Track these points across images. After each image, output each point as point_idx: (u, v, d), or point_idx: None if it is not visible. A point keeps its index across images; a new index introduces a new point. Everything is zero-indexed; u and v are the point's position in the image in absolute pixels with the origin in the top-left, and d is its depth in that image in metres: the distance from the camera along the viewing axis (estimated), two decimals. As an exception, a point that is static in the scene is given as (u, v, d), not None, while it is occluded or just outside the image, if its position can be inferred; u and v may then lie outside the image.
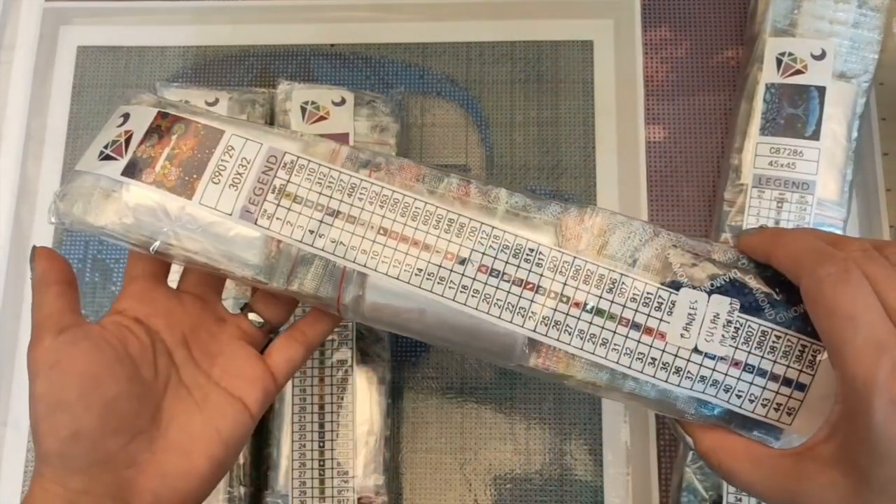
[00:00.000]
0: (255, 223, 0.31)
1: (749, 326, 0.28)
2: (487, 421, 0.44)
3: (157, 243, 0.31)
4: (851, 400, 0.24)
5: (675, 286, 0.29)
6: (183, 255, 0.31)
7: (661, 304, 0.29)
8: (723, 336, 0.28)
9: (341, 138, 0.44)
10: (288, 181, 0.31)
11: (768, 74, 0.43)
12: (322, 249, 0.30)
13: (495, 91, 0.49)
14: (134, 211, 0.31)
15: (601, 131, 0.48)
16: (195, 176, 0.31)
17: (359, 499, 0.40)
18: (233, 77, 0.50)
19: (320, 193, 0.31)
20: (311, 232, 0.31)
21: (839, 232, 0.42)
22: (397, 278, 0.30)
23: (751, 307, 0.29)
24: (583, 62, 0.49)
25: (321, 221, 0.31)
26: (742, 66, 0.47)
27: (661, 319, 0.29)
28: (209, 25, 0.50)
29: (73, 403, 0.27)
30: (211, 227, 0.31)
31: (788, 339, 0.28)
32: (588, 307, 0.29)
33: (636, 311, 0.29)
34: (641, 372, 0.29)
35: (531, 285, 0.29)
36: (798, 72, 0.43)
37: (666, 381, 0.29)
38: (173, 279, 0.34)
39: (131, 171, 0.31)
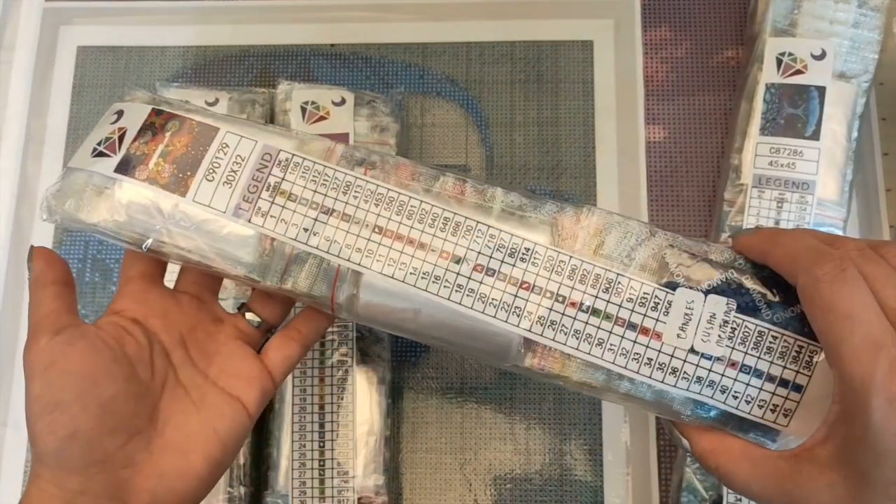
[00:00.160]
0: (249, 221, 0.31)
1: (746, 327, 0.28)
2: (487, 421, 0.44)
3: (149, 241, 0.31)
4: (849, 400, 0.24)
5: (672, 286, 0.29)
6: (176, 253, 0.31)
7: (658, 304, 0.29)
8: (719, 336, 0.28)
9: (341, 138, 0.44)
10: (282, 179, 0.31)
11: (768, 74, 0.43)
12: (316, 248, 0.30)
13: (495, 91, 0.49)
14: (127, 208, 0.31)
15: (601, 131, 0.48)
16: (189, 173, 0.31)
17: (359, 499, 0.40)
18: (233, 77, 0.50)
19: (315, 191, 0.31)
20: (306, 230, 0.30)
21: (839, 232, 0.42)
22: (392, 277, 0.30)
23: (747, 307, 0.29)
24: (583, 62, 0.49)
25: (315, 219, 0.31)
26: (742, 66, 0.47)
27: (657, 320, 0.29)
28: (209, 25, 0.50)
29: (70, 404, 0.27)
30: (204, 225, 0.31)
31: (785, 340, 0.28)
32: (584, 307, 0.29)
33: (632, 311, 0.29)
34: (637, 372, 0.29)
35: (527, 285, 0.29)
36: (798, 72, 0.43)
37: (662, 382, 0.29)
38: (170, 279, 0.34)
39: (124, 167, 0.31)
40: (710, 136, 0.48)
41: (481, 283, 0.30)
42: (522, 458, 0.43)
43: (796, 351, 0.28)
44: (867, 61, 0.43)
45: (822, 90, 0.42)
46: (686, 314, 0.29)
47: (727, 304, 0.29)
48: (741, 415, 0.28)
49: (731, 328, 0.28)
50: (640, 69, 0.47)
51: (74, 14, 0.51)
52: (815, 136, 0.42)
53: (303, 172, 0.31)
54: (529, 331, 0.29)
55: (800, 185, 0.42)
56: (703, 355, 0.28)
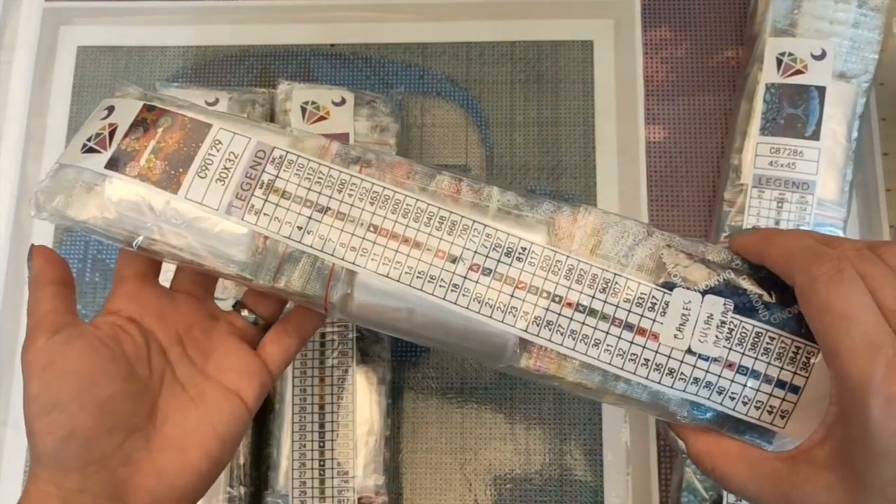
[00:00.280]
0: (242, 219, 0.30)
1: (743, 327, 0.28)
2: (487, 421, 0.44)
3: (140, 238, 0.30)
4: (847, 400, 0.24)
5: (669, 287, 0.29)
6: (167, 251, 0.30)
7: (655, 304, 0.29)
8: (716, 337, 0.28)
9: (341, 138, 0.44)
10: (276, 176, 0.31)
11: (768, 74, 0.43)
12: (310, 246, 0.30)
13: (495, 91, 0.49)
14: (117, 205, 0.30)
15: (601, 131, 0.48)
16: (181, 170, 0.31)
17: (359, 499, 0.40)
18: (233, 77, 0.50)
19: (309, 189, 0.31)
20: (300, 228, 0.30)
21: (839, 232, 0.42)
22: (387, 276, 0.30)
23: (744, 308, 0.28)
24: (583, 62, 0.49)
25: (310, 218, 0.30)
26: (742, 66, 0.47)
27: (654, 320, 0.29)
28: (209, 25, 0.50)
29: (68, 403, 0.27)
30: (196, 223, 0.30)
31: (782, 341, 0.28)
32: (581, 307, 0.29)
33: (629, 311, 0.29)
34: (634, 373, 0.29)
35: (523, 284, 0.29)
36: (798, 72, 0.43)
37: (659, 383, 0.28)
38: (166, 278, 0.34)
39: (115, 164, 0.31)
40: (710, 136, 0.48)
41: (477, 282, 0.29)
42: (522, 458, 0.43)
43: (793, 352, 0.28)
44: (867, 61, 0.43)
45: (822, 90, 0.42)
46: (683, 315, 0.29)
47: (724, 304, 0.28)
48: (738, 416, 0.28)
49: (729, 329, 0.28)
50: (640, 69, 0.47)
51: (74, 14, 0.51)
52: (815, 136, 0.42)
53: (297, 170, 0.31)
54: (525, 331, 0.29)
55: (800, 185, 0.42)
56: (700, 356, 0.28)
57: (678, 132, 0.48)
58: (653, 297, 0.29)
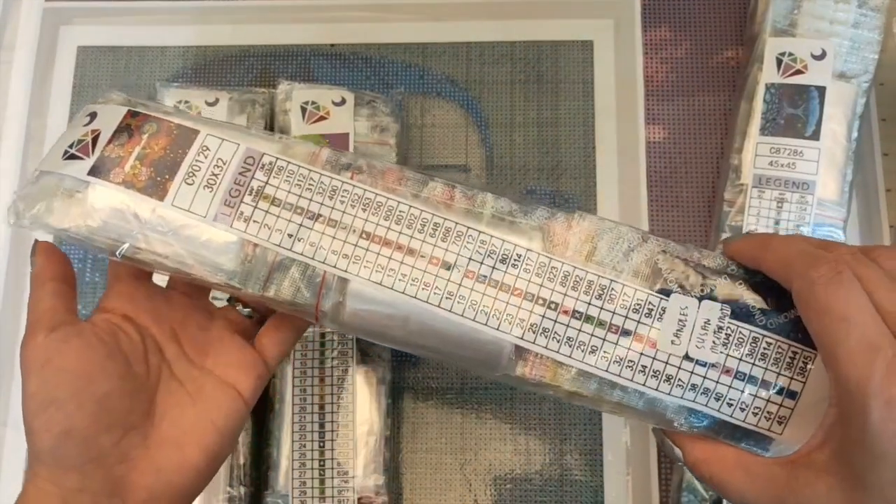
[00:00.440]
0: (231, 226, 0.29)
1: (740, 332, 0.28)
2: (487, 421, 0.44)
3: (125, 246, 0.29)
4: (846, 402, 0.24)
5: (666, 293, 0.29)
6: (153, 260, 0.30)
7: (651, 310, 0.29)
8: (713, 342, 0.28)
9: (341, 138, 0.44)
10: (266, 183, 0.30)
11: (768, 74, 0.43)
12: (301, 254, 0.29)
13: (495, 91, 0.49)
14: (100, 213, 0.29)
15: (601, 131, 0.48)
16: (167, 176, 0.30)
17: (359, 499, 0.40)
18: (233, 77, 0.50)
19: (300, 196, 0.30)
20: (290, 236, 0.29)
21: (839, 232, 0.42)
22: (380, 283, 0.29)
23: (741, 313, 0.28)
24: (583, 62, 0.49)
25: (300, 225, 0.30)
26: (742, 66, 0.47)
27: (651, 326, 0.28)
28: (209, 25, 0.50)
29: (65, 401, 0.27)
30: (183, 230, 0.29)
31: (779, 346, 0.28)
32: (577, 314, 0.29)
33: (626, 317, 0.29)
34: (631, 380, 0.28)
35: (518, 291, 0.29)
36: (798, 72, 0.43)
37: (656, 390, 0.28)
38: (162, 278, 0.34)
39: (98, 170, 0.30)
40: (710, 136, 0.48)
41: (472, 289, 0.29)
42: (522, 458, 0.43)
43: (790, 357, 0.28)
44: (867, 61, 0.43)
45: (822, 90, 0.42)
46: (680, 321, 0.28)
47: (721, 309, 0.28)
48: (735, 423, 0.28)
49: (726, 334, 0.28)
50: (640, 69, 0.47)
51: (74, 14, 0.51)
52: (815, 136, 0.42)
53: (287, 176, 0.30)
54: (521, 338, 0.29)
55: (800, 185, 0.42)
56: (697, 362, 0.28)
57: (678, 132, 0.48)
58: (649, 303, 0.29)
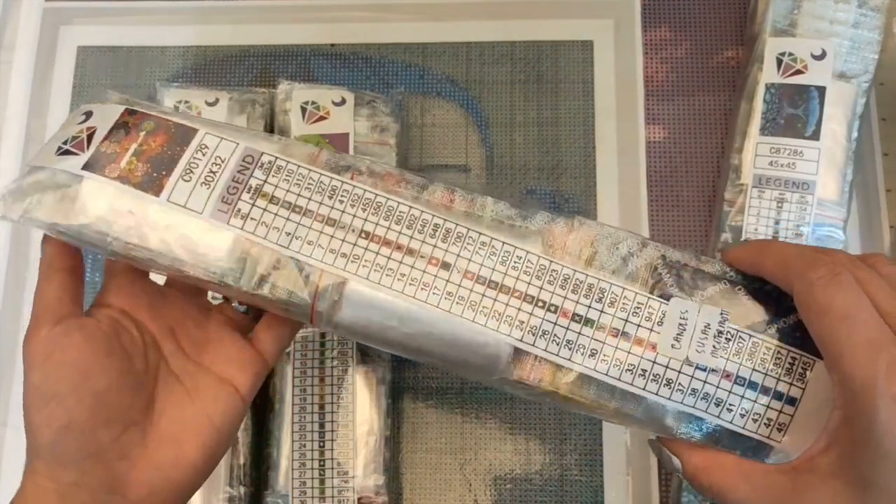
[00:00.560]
0: (228, 223, 0.29)
1: (740, 337, 0.28)
2: (487, 421, 0.44)
3: (116, 241, 0.29)
4: (850, 402, 0.24)
5: (665, 297, 0.29)
6: (146, 257, 0.29)
7: (652, 314, 0.28)
8: (714, 347, 0.28)
9: (341, 138, 0.44)
10: (265, 181, 0.30)
11: (768, 74, 0.43)
12: (298, 252, 0.29)
13: (495, 91, 0.49)
14: (93, 207, 0.29)
15: (601, 131, 0.48)
16: (164, 173, 0.29)
17: (359, 499, 0.40)
18: (233, 77, 0.50)
19: (298, 195, 0.30)
20: (288, 234, 0.29)
21: (839, 232, 0.42)
22: (378, 283, 0.29)
23: (741, 318, 0.28)
24: (583, 62, 0.49)
25: (298, 223, 0.29)
26: (742, 66, 0.47)
27: (651, 330, 0.28)
28: (209, 25, 0.50)
29: (66, 396, 0.28)
30: (178, 227, 0.29)
31: (779, 351, 0.28)
32: (576, 317, 0.28)
33: (626, 320, 0.28)
34: (631, 384, 0.28)
35: (518, 294, 0.29)
36: (798, 72, 0.43)
37: (656, 394, 0.28)
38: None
39: (93, 166, 0.29)
40: (710, 136, 0.48)
41: (471, 290, 0.29)
42: (522, 458, 0.43)
43: (790, 363, 0.28)
44: (867, 61, 0.43)
45: (822, 90, 0.42)
46: (680, 324, 0.28)
47: (721, 314, 0.28)
48: (735, 429, 0.28)
49: (726, 338, 0.28)
50: (640, 69, 0.47)
51: (74, 14, 0.51)
52: (815, 136, 0.42)
53: (286, 175, 0.30)
54: (521, 340, 0.28)
55: (800, 185, 0.42)
56: (697, 366, 0.28)
57: (678, 132, 0.48)
58: (649, 306, 0.28)
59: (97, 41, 0.51)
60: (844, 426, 0.25)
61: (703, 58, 0.49)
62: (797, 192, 0.42)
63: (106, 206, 0.29)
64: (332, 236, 0.29)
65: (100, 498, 0.28)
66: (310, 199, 0.30)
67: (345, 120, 0.44)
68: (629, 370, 0.28)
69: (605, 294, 0.29)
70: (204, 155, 0.30)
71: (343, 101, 0.44)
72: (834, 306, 0.25)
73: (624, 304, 0.29)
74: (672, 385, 0.28)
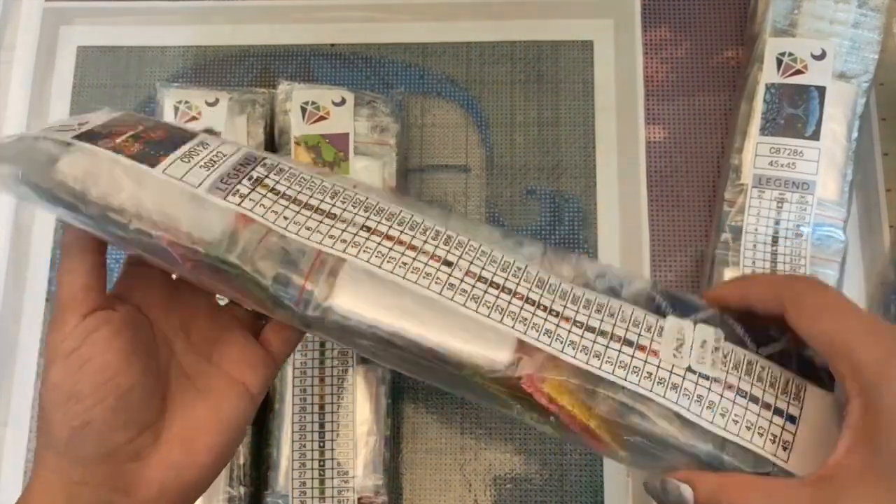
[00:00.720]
0: (226, 199, 0.28)
1: (736, 353, 0.28)
2: (487, 421, 0.44)
3: (94, 205, 0.27)
4: (868, 387, 0.24)
5: (662, 314, 0.29)
6: (133, 229, 0.28)
7: (651, 327, 0.28)
8: (713, 361, 0.28)
9: (341, 138, 0.44)
10: (266, 176, 0.29)
11: (768, 74, 0.43)
12: (296, 234, 0.28)
13: (495, 91, 0.49)
14: (83, 170, 0.27)
15: (601, 131, 0.48)
16: (162, 153, 0.28)
17: (359, 499, 0.40)
18: (233, 77, 0.50)
19: (300, 191, 0.29)
20: (286, 218, 0.28)
21: (840, 232, 0.42)
22: (379, 267, 0.28)
23: (735, 339, 0.29)
24: (583, 62, 0.49)
25: (298, 212, 0.29)
26: (742, 66, 0.47)
27: (652, 338, 0.28)
28: (209, 25, 0.50)
29: (87, 395, 0.27)
30: (171, 195, 0.27)
31: (772, 371, 0.28)
32: (578, 323, 0.28)
33: (627, 328, 0.28)
34: (638, 384, 0.27)
35: (520, 296, 0.28)
36: (798, 72, 0.43)
37: (664, 397, 0.27)
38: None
39: (87, 137, 0.28)
40: (710, 136, 0.48)
41: (474, 286, 0.28)
42: (522, 458, 0.43)
43: (784, 383, 0.28)
44: (867, 61, 0.43)
45: (822, 90, 0.42)
46: (678, 339, 0.28)
47: (716, 332, 0.28)
48: (742, 443, 0.27)
49: (724, 353, 0.28)
50: (640, 69, 0.47)
51: (74, 14, 0.51)
52: (815, 136, 0.42)
53: (289, 175, 0.30)
54: (525, 334, 0.27)
55: (800, 185, 0.42)
56: (700, 374, 0.27)
57: (678, 132, 0.48)
58: (647, 321, 0.28)
59: (97, 41, 0.51)
60: (867, 414, 0.24)
61: (703, 58, 0.49)
62: (797, 192, 0.42)
63: (96, 175, 0.27)
64: (332, 226, 0.29)
65: (104, 495, 0.28)
66: (311, 195, 0.30)
67: (345, 120, 0.44)
68: (635, 371, 0.27)
69: (604, 307, 0.29)
70: (205, 148, 0.30)
71: (343, 102, 0.44)
72: (829, 302, 0.26)
73: (622, 316, 0.28)
74: (678, 389, 0.27)
